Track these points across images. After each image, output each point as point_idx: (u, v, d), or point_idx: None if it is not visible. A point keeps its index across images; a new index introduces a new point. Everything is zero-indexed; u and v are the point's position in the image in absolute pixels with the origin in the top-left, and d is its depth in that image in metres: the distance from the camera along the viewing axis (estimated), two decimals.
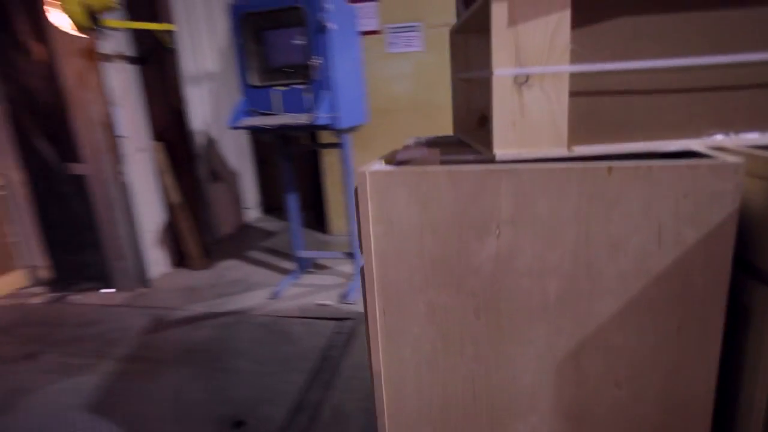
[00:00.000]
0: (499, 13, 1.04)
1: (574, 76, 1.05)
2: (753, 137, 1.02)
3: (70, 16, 2.45)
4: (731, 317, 1.01)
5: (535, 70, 1.05)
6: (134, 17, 3.11)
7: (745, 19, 0.99)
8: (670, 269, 0.94)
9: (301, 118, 2.53)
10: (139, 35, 3.28)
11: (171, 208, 3.61)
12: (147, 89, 3.48)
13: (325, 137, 3.24)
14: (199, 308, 3.01)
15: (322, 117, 2.48)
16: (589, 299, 1.00)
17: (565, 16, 1.02)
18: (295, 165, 3.25)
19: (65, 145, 3.15)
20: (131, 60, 3.34)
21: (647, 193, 0.92)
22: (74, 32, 2.57)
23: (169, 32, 3.22)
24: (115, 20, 2.83)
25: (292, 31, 2.59)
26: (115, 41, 3.12)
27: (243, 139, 4.88)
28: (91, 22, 2.52)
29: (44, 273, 3.57)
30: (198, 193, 3.74)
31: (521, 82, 1.06)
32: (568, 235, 0.99)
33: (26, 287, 3.55)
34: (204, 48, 3.85)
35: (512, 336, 1.08)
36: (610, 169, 0.93)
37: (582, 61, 1.04)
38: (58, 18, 2.50)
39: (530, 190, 1.00)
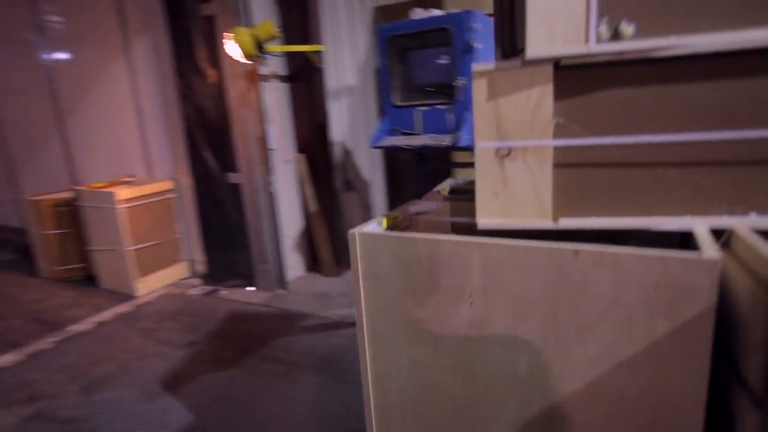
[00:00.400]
0: (479, 87, 1.01)
1: (561, 147, 0.98)
2: (762, 220, 0.88)
3: (241, 46, 2.73)
4: (717, 411, 0.88)
5: (518, 144, 1.01)
6: (289, 41, 3.37)
7: (752, 92, 0.85)
8: (642, 359, 0.86)
9: (444, 140, 2.51)
10: (291, 56, 3.55)
11: (308, 216, 3.85)
12: (294, 105, 3.76)
13: (461, 157, 3.19)
14: (332, 315, 3.16)
15: (464, 138, 2.44)
16: (560, 378, 0.95)
17: (548, 90, 0.97)
18: (426, 180, 3.26)
19: (226, 156, 3.52)
20: (283, 79, 3.63)
21: (616, 280, 0.85)
22: (242, 59, 2.86)
23: (318, 52, 3.43)
24: (275, 46, 3.09)
25: (437, 51, 2.58)
26: (272, 63, 3.41)
27: (376, 151, 5.04)
28: (257, 50, 2.78)
29: (201, 267, 4.04)
30: (333, 202, 3.94)
31: (503, 154, 1.02)
32: (537, 312, 0.95)
33: (186, 278, 4.05)
34: (346, 65, 4.05)
35: (486, 399, 1.07)
36: (576, 252, 0.87)
37: (569, 134, 0.97)
38: (232, 48, 2.80)
39: (499, 265, 0.97)
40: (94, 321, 3.29)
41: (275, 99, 3.57)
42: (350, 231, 1.15)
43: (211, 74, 3.32)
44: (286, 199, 3.75)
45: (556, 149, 1.01)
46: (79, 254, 4.01)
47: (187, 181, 3.81)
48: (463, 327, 1.06)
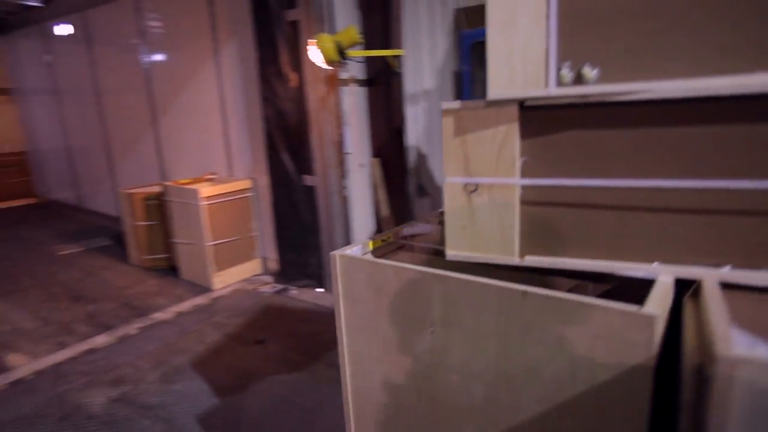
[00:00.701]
0: (447, 124, 1.03)
1: (527, 186, 0.99)
2: (735, 274, 0.84)
3: (324, 52, 2.75)
4: None
5: (484, 181, 1.02)
6: (370, 46, 3.35)
7: (721, 140, 0.81)
8: (584, 405, 0.85)
9: None
10: (370, 60, 3.54)
11: (380, 221, 3.83)
12: (371, 109, 3.74)
13: None
14: None
15: None
16: (510, 412, 0.96)
17: (513, 129, 0.97)
18: None
19: (303, 159, 3.58)
20: (361, 83, 3.63)
21: (560, 325, 0.85)
22: (324, 65, 2.88)
23: (398, 57, 3.39)
24: (356, 51, 3.09)
25: None
26: (351, 67, 3.41)
27: None
28: (339, 56, 2.78)
29: (273, 265, 4.15)
30: (405, 207, 3.90)
31: (471, 190, 1.04)
32: (490, 347, 0.96)
33: (259, 275, 4.18)
34: (424, 68, 3.98)
35: (446, 424, 1.10)
36: (524, 293, 0.88)
37: (535, 174, 0.97)
38: (314, 54, 2.83)
39: (457, 298, 0.99)
40: (174, 311, 3.48)
41: (353, 103, 3.57)
42: (331, 252, 1.21)
43: (292, 78, 3.39)
44: (359, 202, 3.75)
45: (524, 187, 1.01)
46: (164, 245, 4.26)
47: (264, 180, 3.92)
48: (426, 353, 1.09)
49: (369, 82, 3.66)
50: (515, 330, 0.91)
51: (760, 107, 0.78)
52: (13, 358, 2.92)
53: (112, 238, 5.35)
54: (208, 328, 3.18)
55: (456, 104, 1.03)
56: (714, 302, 0.76)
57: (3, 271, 4.45)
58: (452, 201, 1.09)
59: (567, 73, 0.89)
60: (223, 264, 3.90)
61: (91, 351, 2.94)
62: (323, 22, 3.24)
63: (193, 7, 4.09)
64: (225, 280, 3.93)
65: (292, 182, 3.67)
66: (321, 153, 3.48)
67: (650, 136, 0.87)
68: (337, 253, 1.20)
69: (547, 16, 0.89)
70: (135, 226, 4.30)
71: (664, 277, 0.89)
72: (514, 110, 0.97)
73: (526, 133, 0.98)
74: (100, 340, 3.08)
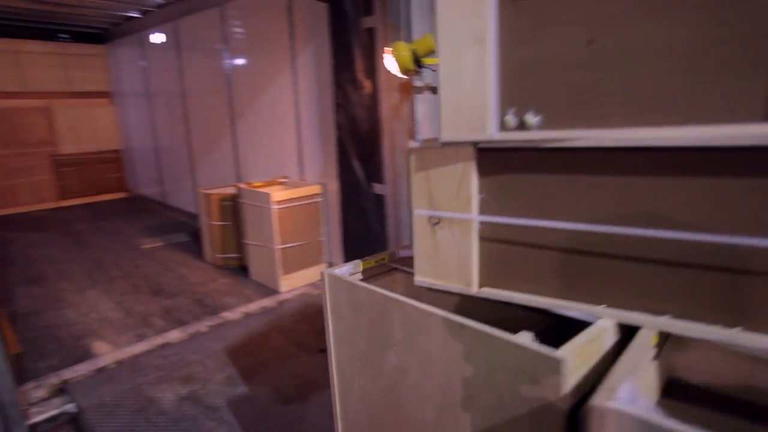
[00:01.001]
0: (413, 161, 1.13)
1: (484, 222, 1.06)
2: (672, 323, 0.85)
3: (399, 61, 2.69)
4: None
5: (445, 215, 1.10)
6: None
7: (656, 191, 0.83)
8: None
9: None
10: None
11: None
12: None
13: None
14: None
15: None
16: None
17: (471, 168, 1.03)
18: None
19: (373, 166, 3.55)
20: (435, 91, 3.53)
21: (491, 358, 0.91)
22: (398, 73, 2.81)
23: None
24: (432, 59, 3.00)
25: None
26: (426, 75, 3.33)
27: None
28: (414, 64, 2.71)
29: None
30: None
31: (434, 222, 1.11)
32: (438, 372, 1.04)
33: None
34: None
35: None
36: (462, 326, 0.95)
37: (491, 211, 1.04)
38: (389, 62, 2.77)
39: (414, 324, 1.07)
40: (242, 311, 3.57)
41: (426, 112, 3.49)
42: (322, 270, 1.34)
43: (366, 85, 3.36)
44: None
45: (482, 223, 1.07)
46: (236, 245, 4.41)
47: (334, 186, 3.93)
48: (391, 371, 1.18)
49: None
50: (457, 360, 0.98)
51: (691, 160, 0.78)
52: (98, 346, 3.12)
53: (189, 235, 5.64)
54: (273, 332, 3.22)
55: (420, 143, 1.15)
56: (634, 351, 0.82)
57: (97, 260, 4.82)
58: (419, 232, 1.19)
59: (511, 119, 0.95)
60: (291, 267, 3.96)
61: (165, 345, 3.08)
62: (399, 30, 3.18)
63: (273, 15, 4.20)
64: (292, 283, 3.99)
65: (361, 189, 3.65)
66: (392, 161, 3.42)
67: (591, 182, 0.89)
68: (325, 272, 1.33)
69: (488, 68, 0.96)
70: (210, 225, 4.49)
71: (604, 321, 0.91)
72: (470, 150, 1.04)
73: (483, 171, 1.04)
74: (174, 335, 3.22)
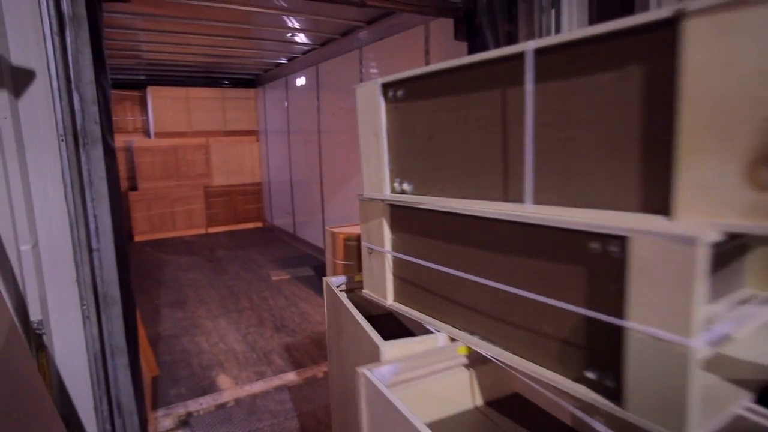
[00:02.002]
0: (360, 207, 1.55)
1: (394, 256, 1.43)
2: (480, 344, 1.16)
3: None
4: None
5: (374, 248, 1.49)
6: None
7: (486, 250, 1.12)
8: None
9: None
10: None
11: None
12: None
13: None
14: None
15: None
16: None
17: (385, 215, 1.43)
18: None
19: None
20: None
21: (361, 343, 1.42)
22: None
23: None
24: None
25: None
26: None
27: None
28: None
29: None
30: None
31: (369, 252, 1.53)
32: (351, 349, 1.58)
33: None
34: None
35: None
36: (357, 322, 1.45)
37: (399, 249, 1.41)
38: None
39: (346, 328, 1.59)
40: None
41: None
42: (324, 278, 1.79)
43: None
44: None
45: (393, 256, 1.44)
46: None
47: None
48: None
49: None
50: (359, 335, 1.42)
51: (507, 231, 1.05)
52: (221, 380, 3.18)
53: (314, 269, 5.75)
54: None
55: (363, 196, 1.52)
56: (426, 350, 1.26)
57: (230, 289, 5.11)
58: (364, 258, 1.56)
59: (397, 186, 1.43)
60: None
61: (281, 388, 3.02)
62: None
63: (409, 56, 4.16)
64: None
65: None
66: None
67: (465, 239, 1.18)
68: (325, 279, 1.80)
69: (383, 152, 1.42)
70: (334, 263, 4.48)
71: (440, 334, 1.29)
72: (383, 204, 1.43)
73: (392, 220, 1.43)
74: (291, 377, 3.16)
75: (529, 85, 0.98)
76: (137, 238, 7.49)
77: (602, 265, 0.85)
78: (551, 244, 0.95)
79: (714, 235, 0.72)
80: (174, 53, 6.24)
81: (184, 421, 2.70)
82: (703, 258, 0.71)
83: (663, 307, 0.76)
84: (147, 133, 8.24)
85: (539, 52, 0.96)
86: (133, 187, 7.63)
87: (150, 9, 4.27)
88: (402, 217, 1.39)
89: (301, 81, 6.71)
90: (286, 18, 4.80)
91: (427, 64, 3.96)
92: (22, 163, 1.62)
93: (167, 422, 2.70)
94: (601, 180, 0.90)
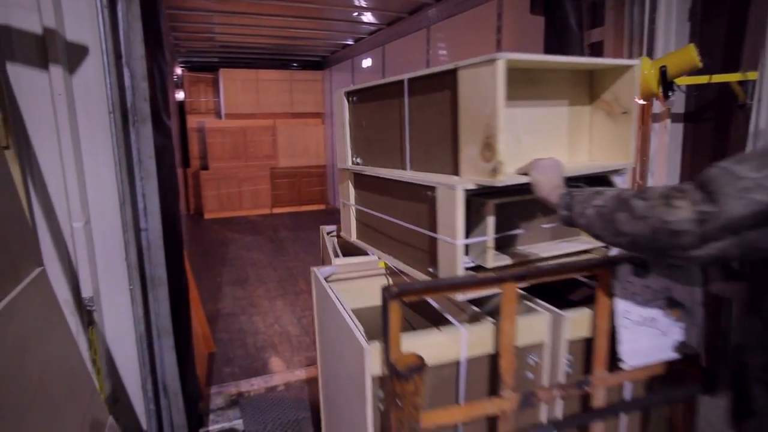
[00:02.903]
0: (338, 173, 2.07)
1: (356, 207, 1.96)
2: (401, 265, 1.63)
3: (641, 83, 2.07)
4: None
5: (346, 202, 2.00)
6: (703, 69, 2.45)
7: (402, 201, 1.59)
8: None
9: None
10: (698, 88, 2.61)
11: None
12: (690, 152, 2.79)
13: None
14: None
15: None
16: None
17: (350, 179, 1.95)
18: None
19: None
20: (680, 118, 2.73)
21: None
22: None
23: (745, 83, 2.38)
24: (685, 78, 2.27)
25: None
26: (675, 98, 2.57)
27: None
28: (660, 86, 2.06)
29: None
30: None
31: (343, 205, 2.03)
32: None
33: None
34: None
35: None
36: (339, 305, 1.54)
37: (358, 202, 1.94)
38: None
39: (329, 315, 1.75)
40: None
41: (662, 144, 2.71)
42: (311, 268, 1.90)
43: None
44: None
45: (356, 207, 1.95)
46: None
47: None
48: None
49: (691, 117, 2.73)
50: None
51: (400, 186, 1.56)
52: (274, 362, 3.18)
53: None
54: None
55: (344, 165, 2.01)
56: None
57: (289, 270, 5.16)
58: (342, 210, 2.09)
59: (355, 159, 1.95)
60: None
61: None
62: (634, 42, 2.52)
63: (480, 35, 3.89)
64: None
65: None
66: None
67: (396, 197, 1.62)
68: (313, 269, 1.87)
69: (347, 137, 1.98)
70: None
71: (385, 259, 1.75)
72: (348, 172, 1.97)
73: (355, 182, 1.96)
74: None
75: (406, 99, 1.54)
76: (207, 216, 7.80)
77: (431, 203, 1.37)
78: (415, 193, 1.47)
79: (467, 185, 1.25)
80: (245, 35, 6.33)
81: (235, 401, 2.72)
82: (461, 197, 1.23)
83: (448, 224, 1.29)
84: (218, 114, 8.51)
85: (410, 80, 1.51)
86: (205, 167, 7.93)
87: None
88: (358, 180, 1.93)
89: (366, 62, 6.58)
90: None
91: (498, 42, 3.67)
92: (75, 140, 1.61)
93: (219, 400, 2.73)
94: (435, 157, 1.46)
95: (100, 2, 1.49)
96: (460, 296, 1.30)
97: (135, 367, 1.80)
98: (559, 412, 1.30)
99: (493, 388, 1.21)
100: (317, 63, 8.58)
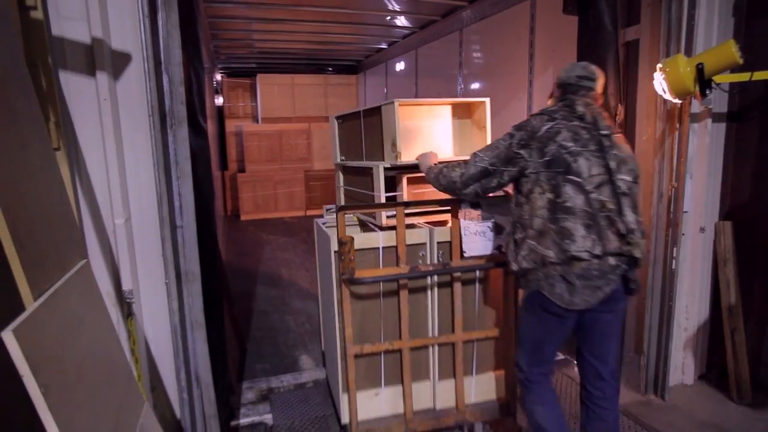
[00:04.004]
0: (335, 168, 3.07)
1: (345, 188, 2.97)
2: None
3: (674, 80, 2.02)
4: None
5: (338, 185, 3.00)
6: (746, 65, 2.35)
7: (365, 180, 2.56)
8: None
9: None
10: (740, 86, 2.51)
11: (722, 309, 2.71)
12: (732, 153, 2.69)
13: None
14: None
15: None
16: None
17: (340, 171, 3.00)
18: None
19: None
20: (721, 117, 2.63)
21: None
22: (668, 96, 2.13)
23: None
24: (726, 76, 2.19)
25: None
26: (710, 97, 2.48)
27: None
28: (697, 84, 1.99)
29: None
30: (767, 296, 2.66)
31: (338, 187, 3.02)
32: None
33: None
34: None
35: None
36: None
37: (346, 185, 2.94)
38: (658, 82, 2.12)
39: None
40: None
41: (702, 145, 2.62)
42: (315, 219, 2.79)
43: (619, 112, 2.71)
44: (689, 279, 2.75)
45: (345, 187, 2.94)
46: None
47: None
48: None
49: (734, 117, 2.63)
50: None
51: (362, 170, 2.58)
52: (303, 360, 3.24)
53: None
54: None
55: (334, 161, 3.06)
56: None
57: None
58: (336, 192, 3.05)
59: (342, 157, 2.98)
60: None
61: None
62: (671, 40, 2.44)
63: (513, 37, 3.86)
64: None
65: None
66: (645, 208, 2.67)
67: (360, 176, 2.61)
68: (316, 220, 2.74)
69: (337, 143, 3.03)
70: None
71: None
72: (338, 165, 3.01)
73: (343, 172, 2.98)
74: None
75: (362, 120, 2.58)
76: (243, 217, 8.03)
77: (372, 176, 2.37)
78: (367, 171, 2.44)
79: (386, 165, 2.31)
80: (282, 41, 6.50)
81: (265, 396, 2.79)
82: (382, 171, 2.32)
83: (378, 186, 2.33)
84: (255, 119, 8.75)
85: (364, 111, 2.56)
86: (242, 169, 8.17)
87: None
88: (344, 170, 2.92)
89: (400, 66, 6.63)
90: (387, 0, 4.72)
91: (531, 42, 3.63)
92: (118, 142, 1.72)
93: (250, 395, 2.81)
94: (374, 151, 2.48)
95: (143, 12, 1.59)
96: (384, 217, 2.34)
97: (170, 358, 1.89)
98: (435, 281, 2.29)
99: (397, 263, 2.20)
100: (351, 67, 8.70)
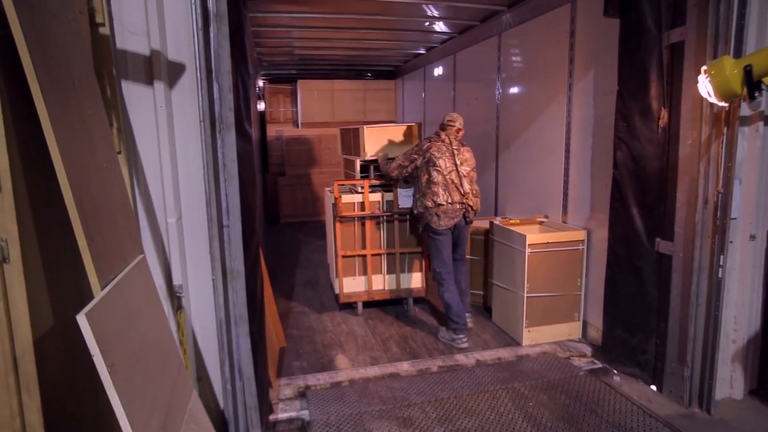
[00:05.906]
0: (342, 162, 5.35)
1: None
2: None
3: (720, 83, 1.97)
4: None
5: (344, 170, 5.18)
6: None
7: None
8: None
9: None
10: None
11: None
12: None
13: None
14: None
15: None
16: None
17: (342, 163, 5.61)
18: None
19: (658, 217, 2.78)
20: None
21: None
22: (714, 100, 2.07)
23: None
24: None
25: None
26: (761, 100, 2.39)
27: None
28: (745, 87, 1.94)
29: (595, 334, 3.44)
30: None
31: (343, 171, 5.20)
32: None
33: (575, 340, 3.55)
34: None
35: None
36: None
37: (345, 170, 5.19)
38: (703, 85, 2.07)
39: None
40: (476, 357, 3.29)
41: (752, 150, 2.53)
42: (325, 189, 5.23)
43: (662, 116, 2.65)
44: (738, 287, 2.66)
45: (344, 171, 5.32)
46: (482, 283, 4.17)
47: (602, 234, 3.28)
48: None
49: None
50: None
51: (353, 161, 4.61)
52: (339, 359, 3.32)
53: None
54: (504, 393, 2.82)
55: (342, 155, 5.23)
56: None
57: None
58: (342, 176, 5.19)
59: (344, 153, 5.22)
60: (537, 320, 3.47)
61: (394, 376, 3.05)
62: (719, 41, 2.37)
63: (552, 40, 3.83)
64: (535, 337, 3.49)
65: (639, 244, 2.91)
66: (688, 214, 2.60)
67: (349, 164, 4.88)
68: (326, 189, 4.83)
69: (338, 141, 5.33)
70: None
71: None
72: (342, 158, 5.32)
73: (344, 161, 5.49)
74: (404, 367, 3.17)
75: (352, 133, 4.60)
76: (283, 220, 8.23)
77: (354, 164, 4.36)
78: (353, 162, 4.38)
79: (361, 159, 4.25)
80: (322, 48, 6.66)
81: (302, 393, 2.88)
82: (359, 163, 4.27)
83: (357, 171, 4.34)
84: (296, 123, 8.97)
85: (352, 129, 4.61)
86: (282, 173, 8.39)
87: (300, 7, 4.60)
88: (344, 161, 5.02)
89: (438, 71, 6.65)
90: (426, 7, 4.77)
91: (571, 46, 3.59)
92: (172, 146, 1.84)
93: (287, 391, 2.90)
94: (356, 151, 4.42)
95: (197, 25, 1.70)
96: (359, 187, 4.06)
97: (215, 351, 1.99)
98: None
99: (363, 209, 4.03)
100: (390, 72, 8.79)
